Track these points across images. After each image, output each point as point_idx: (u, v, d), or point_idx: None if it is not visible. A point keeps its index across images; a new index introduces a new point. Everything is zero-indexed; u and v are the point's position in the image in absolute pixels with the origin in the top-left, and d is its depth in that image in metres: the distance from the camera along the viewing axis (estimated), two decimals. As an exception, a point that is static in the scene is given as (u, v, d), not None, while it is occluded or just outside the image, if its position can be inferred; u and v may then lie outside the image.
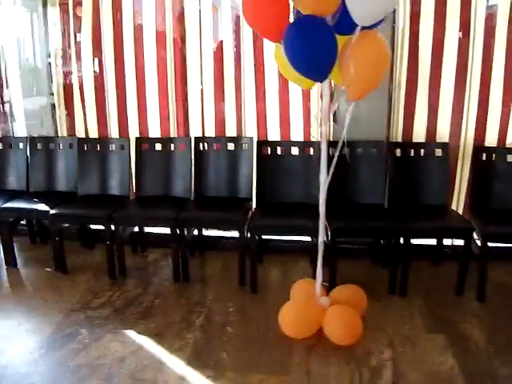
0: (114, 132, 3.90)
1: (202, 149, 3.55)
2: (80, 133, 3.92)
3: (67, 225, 3.53)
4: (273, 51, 3.46)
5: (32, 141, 3.83)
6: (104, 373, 2.46)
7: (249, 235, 3.11)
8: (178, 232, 3.26)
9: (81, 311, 3.02)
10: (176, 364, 2.52)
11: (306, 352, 2.59)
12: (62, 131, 3.98)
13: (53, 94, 4.01)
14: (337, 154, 2.58)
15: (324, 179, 2.64)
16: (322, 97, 2.65)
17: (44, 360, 2.57)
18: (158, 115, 3.76)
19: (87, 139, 3.81)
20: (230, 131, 3.67)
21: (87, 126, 3.89)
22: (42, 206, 3.45)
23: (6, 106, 4.09)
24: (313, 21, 2.29)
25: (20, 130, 4.15)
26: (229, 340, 2.71)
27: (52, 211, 3.36)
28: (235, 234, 3.71)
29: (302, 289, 2.95)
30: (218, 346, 2.66)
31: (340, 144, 2.58)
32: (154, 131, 3.81)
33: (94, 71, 3.81)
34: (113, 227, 3.31)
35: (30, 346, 2.69)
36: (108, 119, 3.86)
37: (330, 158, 3.20)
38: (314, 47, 2.29)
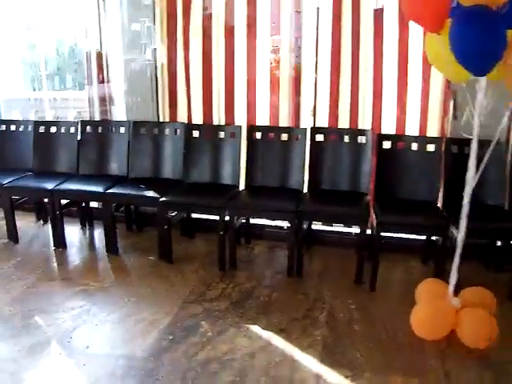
0: (218, 120, 3.79)
1: (316, 140, 3.43)
2: (182, 119, 3.81)
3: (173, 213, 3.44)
4: (394, 41, 3.37)
5: (135, 125, 3.73)
6: (236, 368, 2.39)
7: (374, 232, 3.00)
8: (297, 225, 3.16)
9: (197, 303, 2.95)
10: (309, 362, 2.45)
11: (439, 354, 2.51)
12: (164, 117, 3.87)
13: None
14: (489, 152, 2.47)
15: (471, 178, 2.53)
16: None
17: (168, 353, 2.50)
18: (267, 104, 3.65)
19: (195, 125, 3.70)
20: (343, 122, 3.54)
21: (191, 112, 3.78)
22: (151, 193, 3.36)
23: (106, 88, 4.00)
24: (485, 12, 2.19)
25: (118, 113, 4.04)
26: (358, 339, 2.64)
27: (162, 198, 3.28)
28: (341, 228, 3.70)
29: (429, 289, 2.85)
30: (348, 345, 2.58)
31: (494, 143, 2.48)
32: (262, 120, 3.70)
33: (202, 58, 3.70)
34: (227, 217, 3.23)
35: (150, 337, 2.62)
36: (216, 106, 3.73)
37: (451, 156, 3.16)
38: (485, 39, 2.19)
